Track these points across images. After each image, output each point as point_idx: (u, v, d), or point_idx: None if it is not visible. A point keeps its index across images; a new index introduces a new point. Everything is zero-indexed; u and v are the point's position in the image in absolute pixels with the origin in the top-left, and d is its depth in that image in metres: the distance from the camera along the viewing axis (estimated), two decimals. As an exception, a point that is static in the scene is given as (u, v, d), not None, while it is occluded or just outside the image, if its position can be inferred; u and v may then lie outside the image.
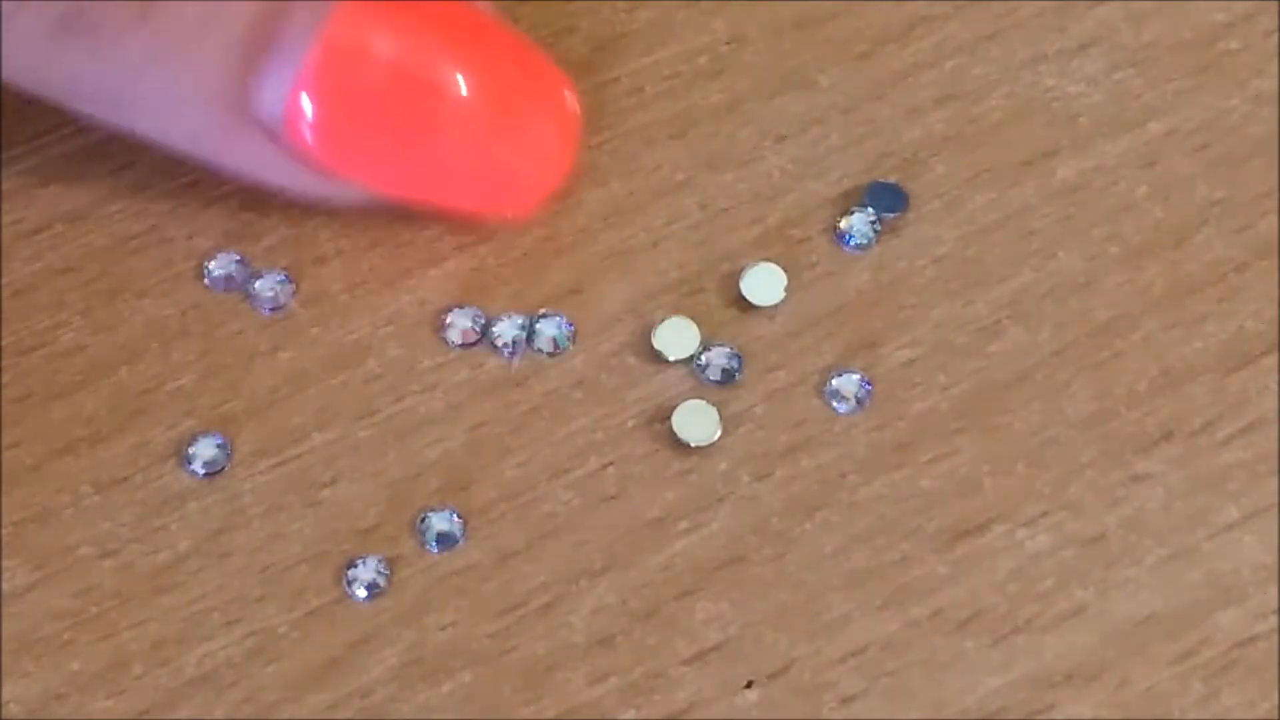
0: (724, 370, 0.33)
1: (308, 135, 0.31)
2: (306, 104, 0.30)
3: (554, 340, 0.33)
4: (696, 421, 0.32)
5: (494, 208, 0.33)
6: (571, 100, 0.32)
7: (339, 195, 0.32)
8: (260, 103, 0.30)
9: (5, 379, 0.33)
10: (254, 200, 0.34)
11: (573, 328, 0.33)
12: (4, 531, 0.31)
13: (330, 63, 0.30)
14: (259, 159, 0.31)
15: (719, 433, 0.32)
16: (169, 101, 0.31)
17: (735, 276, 0.34)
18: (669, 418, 0.32)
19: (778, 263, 0.34)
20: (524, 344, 0.33)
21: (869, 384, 0.33)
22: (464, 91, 0.31)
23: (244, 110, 0.31)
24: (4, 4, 0.29)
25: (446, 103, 0.31)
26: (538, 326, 0.33)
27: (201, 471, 0.32)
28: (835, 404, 0.33)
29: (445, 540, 0.31)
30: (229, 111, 0.31)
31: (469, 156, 0.32)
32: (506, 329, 0.33)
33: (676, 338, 0.33)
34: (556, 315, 0.33)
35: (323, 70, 0.30)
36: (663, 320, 0.33)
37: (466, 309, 0.33)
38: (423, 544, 0.31)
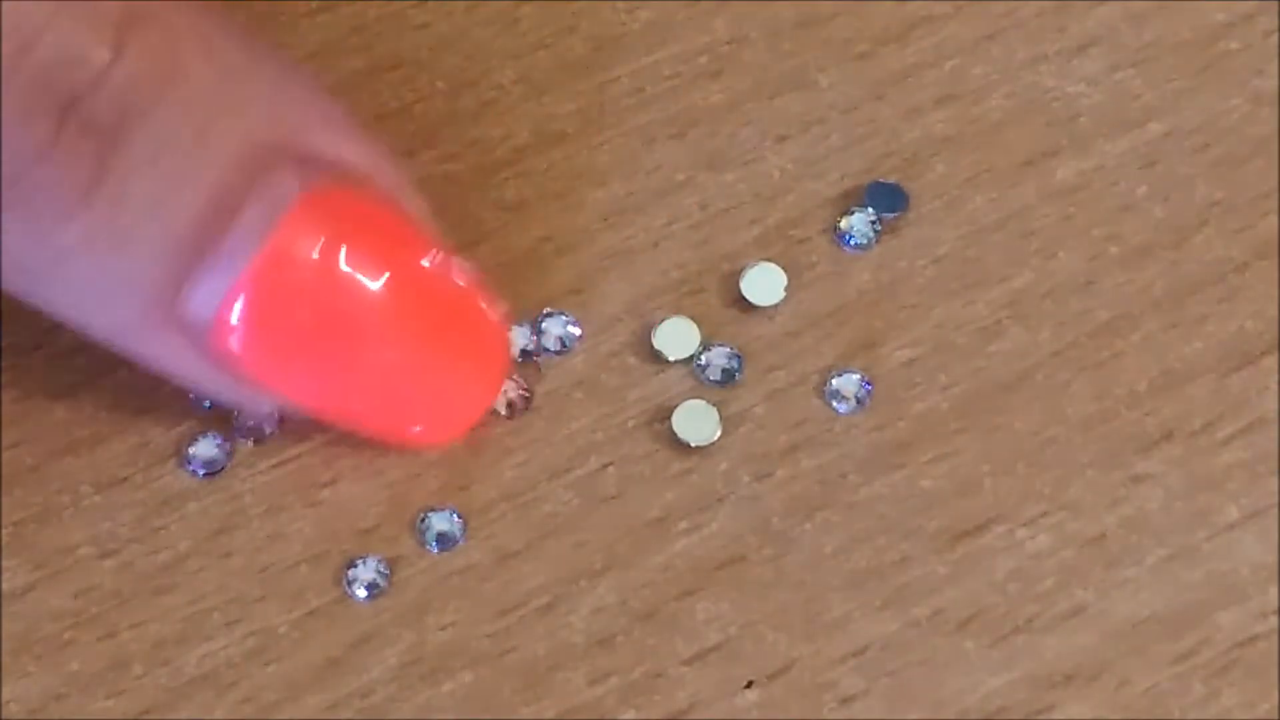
0: (724, 370, 0.33)
1: (235, 343, 0.30)
2: (239, 311, 0.29)
3: (560, 339, 0.33)
4: (696, 421, 0.32)
5: (419, 436, 0.32)
6: (501, 327, 0.31)
7: (257, 404, 0.31)
8: (191, 305, 0.29)
9: (5, 379, 0.33)
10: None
11: (578, 328, 0.33)
12: (4, 531, 0.31)
13: (271, 271, 0.29)
14: (178, 360, 0.30)
15: (719, 433, 0.32)
16: (96, 292, 0.29)
17: (735, 276, 0.34)
18: (669, 418, 0.32)
19: (778, 263, 0.34)
20: (537, 348, 0.33)
21: (869, 384, 0.33)
22: (397, 312, 0.30)
23: (170, 310, 0.29)
24: None
25: (379, 322, 0.30)
26: (543, 326, 0.33)
27: (201, 471, 0.32)
28: (835, 404, 0.33)
29: (445, 540, 0.31)
30: (154, 309, 0.29)
31: (395, 380, 0.31)
32: (515, 338, 0.33)
33: (676, 338, 0.33)
34: (561, 314, 0.33)
35: (261, 282, 0.29)
36: (663, 320, 0.33)
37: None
38: (423, 544, 0.31)
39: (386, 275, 0.30)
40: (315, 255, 0.29)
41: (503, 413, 0.32)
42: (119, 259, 0.29)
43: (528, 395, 0.32)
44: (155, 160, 0.29)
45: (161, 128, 0.29)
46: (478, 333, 0.31)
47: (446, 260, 0.31)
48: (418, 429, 0.32)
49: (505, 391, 0.32)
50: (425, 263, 0.30)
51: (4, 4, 0.28)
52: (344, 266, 0.30)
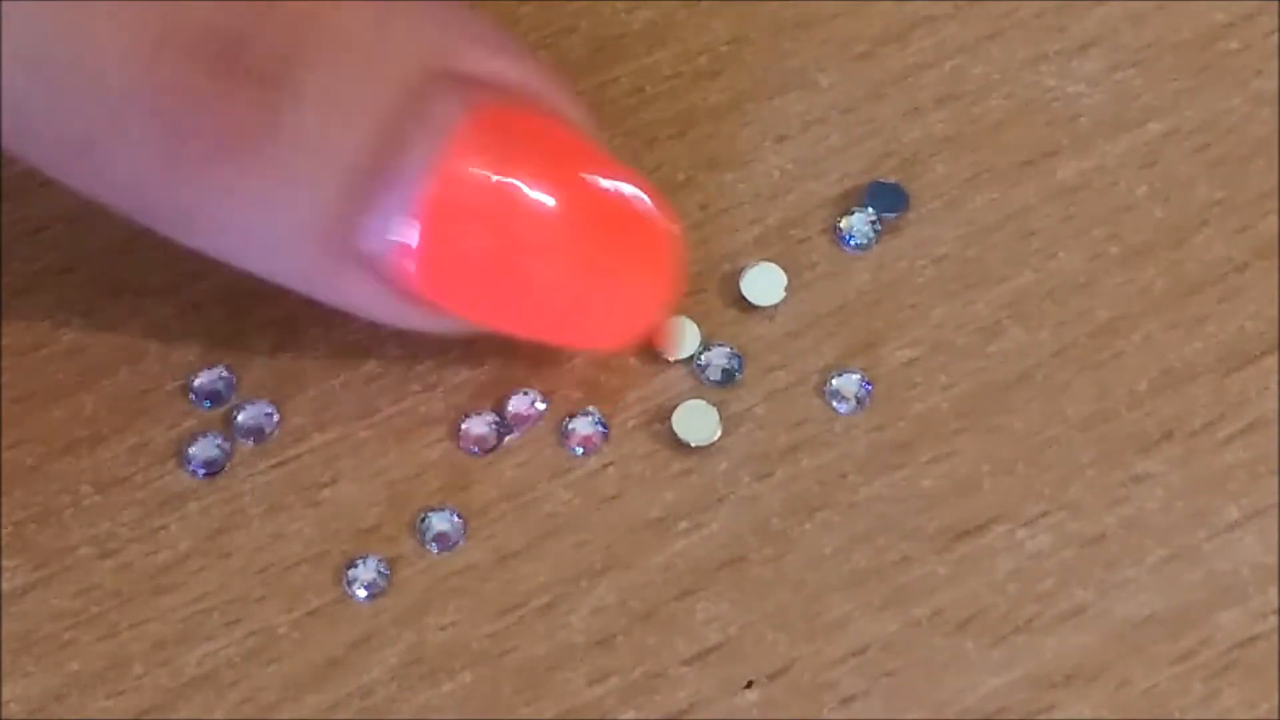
0: (724, 370, 0.33)
1: (414, 269, 0.30)
2: (415, 238, 0.30)
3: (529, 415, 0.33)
4: (696, 421, 0.32)
5: (595, 341, 0.32)
6: (675, 233, 0.32)
7: (439, 327, 0.32)
8: (368, 236, 0.30)
9: (5, 379, 0.33)
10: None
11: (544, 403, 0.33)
12: (4, 531, 0.31)
13: (442, 196, 0.30)
14: (361, 295, 0.31)
15: (719, 433, 0.32)
16: (274, 236, 0.30)
17: (735, 276, 0.34)
18: (669, 418, 0.32)
19: (778, 263, 0.34)
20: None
21: (869, 384, 0.33)
22: (569, 226, 0.31)
23: (349, 245, 0.30)
24: (107, 133, 0.29)
25: (551, 237, 0.30)
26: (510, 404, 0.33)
27: (201, 471, 0.32)
28: (835, 404, 0.33)
29: (445, 540, 0.31)
30: (332, 245, 0.30)
31: (568, 294, 0.31)
32: None
33: (677, 337, 0.33)
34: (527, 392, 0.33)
35: (435, 205, 0.30)
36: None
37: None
38: (423, 544, 0.31)
39: (556, 191, 0.30)
40: (486, 176, 0.30)
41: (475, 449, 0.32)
42: (295, 200, 0.29)
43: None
44: (320, 99, 0.29)
45: (323, 66, 0.29)
46: (649, 241, 0.31)
47: (615, 170, 0.31)
48: (598, 335, 0.32)
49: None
50: (594, 176, 0.31)
51: None
52: (514, 185, 0.30)
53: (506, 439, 0.32)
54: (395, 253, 0.30)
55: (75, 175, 0.30)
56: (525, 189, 0.30)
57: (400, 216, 0.30)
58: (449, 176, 0.30)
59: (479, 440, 0.32)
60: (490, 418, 0.32)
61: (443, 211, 0.30)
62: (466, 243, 0.30)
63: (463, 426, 0.32)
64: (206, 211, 0.30)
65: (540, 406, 0.32)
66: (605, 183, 0.31)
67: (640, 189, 0.31)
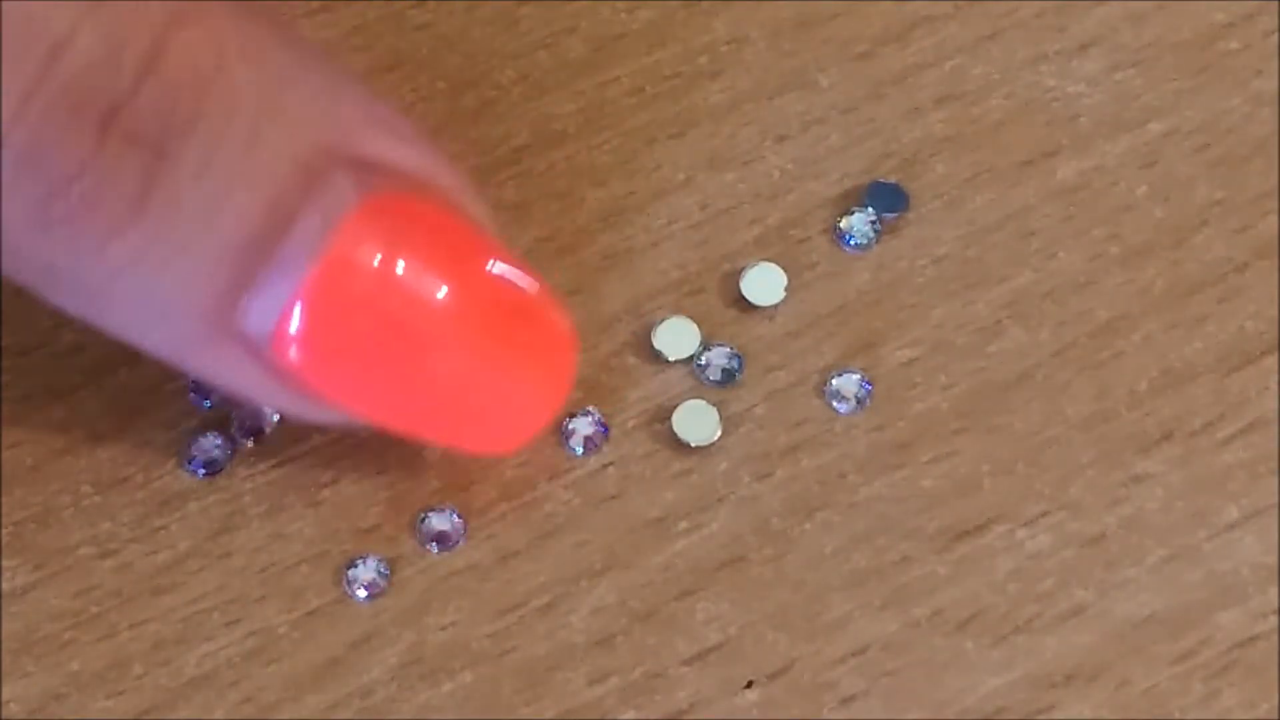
0: (724, 370, 0.33)
1: (295, 355, 0.29)
2: (298, 322, 0.28)
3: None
4: (696, 421, 0.32)
5: (483, 445, 0.31)
6: (569, 332, 0.31)
7: (321, 417, 0.30)
8: (250, 317, 0.28)
9: (5, 379, 0.33)
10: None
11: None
12: (4, 531, 0.31)
13: (330, 280, 0.28)
14: (238, 376, 0.29)
15: (719, 433, 0.32)
16: (150, 308, 0.28)
17: (735, 276, 0.34)
18: (669, 418, 0.32)
19: (778, 263, 0.34)
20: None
21: (869, 384, 0.33)
22: (460, 319, 0.29)
23: (229, 324, 0.28)
24: None
25: (442, 330, 0.29)
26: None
27: (201, 471, 0.32)
28: (835, 404, 0.33)
29: (445, 540, 0.31)
30: (212, 323, 0.28)
31: (456, 393, 0.30)
32: None
33: (676, 338, 0.33)
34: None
35: (321, 290, 0.28)
36: (663, 320, 0.33)
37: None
38: (423, 544, 0.31)
39: (449, 283, 0.29)
40: (375, 263, 0.28)
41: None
42: (173, 273, 0.28)
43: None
44: (204, 170, 0.28)
45: (208, 135, 0.27)
46: (544, 339, 0.30)
47: (510, 265, 0.30)
48: (484, 438, 0.31)
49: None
50: (489, 268, 0.29)
51: (29, 6, 0.27)
52: (405, 274, 0.29)
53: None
54: (278, 336, 0.28)
55: None
56: (416, 278, 0.29)
57: (284, 299, 0.28)
58: (337, 261, 0.28)
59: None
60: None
61: (329, 297, 0.28)
62: (353, 331, 0.29)
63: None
64: (80, 277, 0.28)
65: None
66: (500, 275, 0.29)
67: (536, 284, 0.30)
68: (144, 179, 0.27)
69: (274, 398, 0.30)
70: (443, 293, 0.29)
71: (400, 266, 0.29)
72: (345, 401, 0.30)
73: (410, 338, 0.29)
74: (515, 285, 0.30)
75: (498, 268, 0.30)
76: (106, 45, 0.27)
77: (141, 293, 0.28)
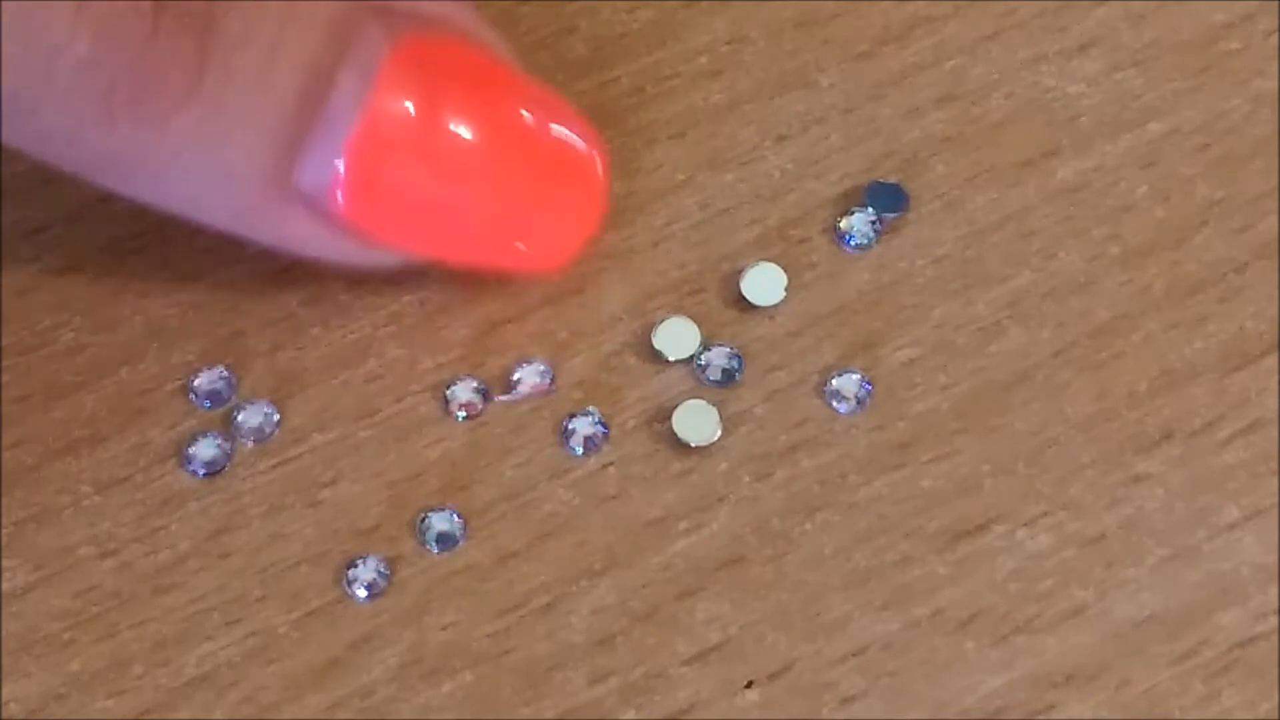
0: (724, 370, 0.33)
1: (350, 204, 0.31)
2: (350, 173, 0.30)
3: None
4: (696, 421, 0.32)
5: (527, 264, 0.33)
6: (600, 152, 0.32)
7: (377, 261, 0.32)
8: (304, 176, 0.30)
9: (5, 379, 0.33)
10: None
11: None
12: (4, 531, 0.31)
13: (374, 130, 0.30)
14: (298, 232, 0.31)
15: (719, 433, 0.32)
16: (211, 179, 0.30)
17: (735, 276, 0.34)
18: (669, 418, 0.32)
19: (778, 263, 0.34)
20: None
21: (869, 384, 0.33)
22: (494, 152, 0.31)
23: (286, 184, 0.30)
24: (40, 85, 0.29)
25: (478, 164, 0.31)
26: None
27: (201, 471, 0.32)
28: (835, 404, 0.33)
29: (445, 540, 0.31)
30: (270, 186, 0.30)
31: (497, 218, 0.32)
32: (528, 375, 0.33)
33: (676, 338, 0.33)
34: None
35: (367, 138, 0.30)
36: (663, 320, 0.33)
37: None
38: (423, 544, 0.31)
39: (483, 120, 0.31)
40: (413, 108, 0.30)
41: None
42: (230, 142, 0.30)
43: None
44: (248, 39, 0.29)
45: (247, 7, 0.29)
46: (575, 164, 0.32)
47: (539, 96, 0.32)
48: (529, 257, 0.33)
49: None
50: (518, 103, 0.31)
51: None
52: (441, 115, 0.31)
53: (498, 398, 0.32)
54: (332, 189, 0.30)
55: (6, 128, 0.30)
56: (451, 118, 0.31)
57: (334, 154, 0.30)
58: (377, 112, 0.30)
59: (466, 406, 0.32)
60: (473, 383, 0.32)
61: (374, 146, 0.30)
62: (396, 173, 0.31)
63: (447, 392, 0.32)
64: (140, 157, 0.30)
65: (546, 379, 0.33)
66: (530, 110, 0.32)
67: (566, 113, 0.32)
68: (196, 54, 0.29)
69: (332, 248, 0.32)
70: (477, 131, 0.31)
71: (435, 107, 0.31)
72: (396, 240, 0.32)
73: (451, 175, 0.31)
74: (544, 117, 0.32)
75: (527, 101, 0.32)
76: None
77: (201, 166, 0.30)
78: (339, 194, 0.31)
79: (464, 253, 0.32)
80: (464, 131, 0.31)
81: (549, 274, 0.33)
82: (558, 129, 0.32)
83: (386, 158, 0.31)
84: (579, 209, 0.33)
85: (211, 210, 0.31)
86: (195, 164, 0.30)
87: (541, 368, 0.33)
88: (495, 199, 0.32)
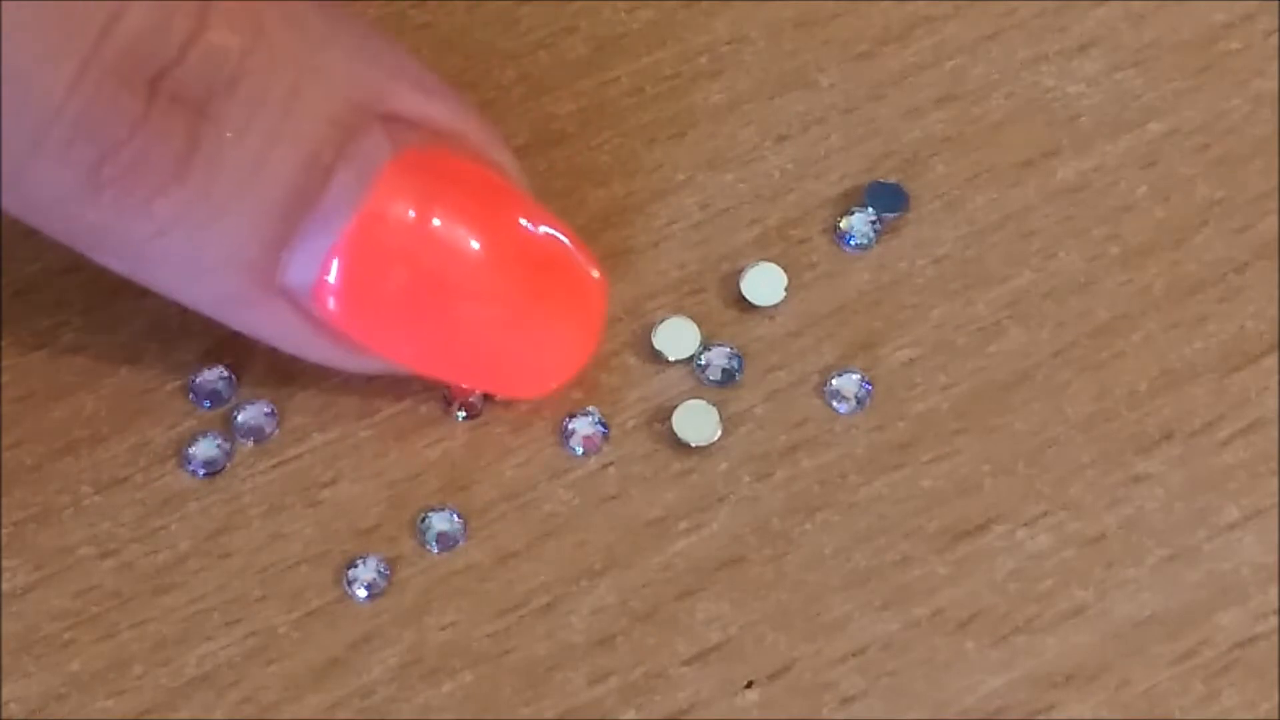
0: (724, 370, 0.33)
1: (335, 306, 0.30)
2: (337, 274, 0.30)
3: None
4: (696, 421, 0.32)
5: (517, 390, 0.32)
6: (599, 280, 0.32)
7: (360, 366, 0.32)
8: (291, 270, 0.30)
9: (5, 379, 0.33)
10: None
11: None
12: (4, 531, 0.31)
13: (367, 233, 0.30)
14: (281, 328, 0.31)
15: (719, 433, 0.32)
16: (195, 264, 0.30)
17: (735, 276, 0.34)
18: (669, 418, 0.32)
19: (778, 263, 0.34)
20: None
21: (869, 384, 0.33)
22: (493, 269, 0.31)
23: (271, 278, 0.30)
24: (28, 151, 0.28)
25: (475, 279, 0.31)
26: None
27: (201, 471, 0.32)
28: (835, 404, 0.33)
29: (445, 540, 0.31)
30: (255, 277, 0.30)
31: (490, 342, 0.31)
32: None
33: (676, 338, 0.33)
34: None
35: (358, 243, 0.30)
36: (663, 320, 0.33)
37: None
38: (423, 544, 0.31)
39: (481, 234, 0.30)
40: (410, 216, 0.30)
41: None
42: (217, 229, 0.29)
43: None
44: (245, 129, 0.29)
45: (249, 96, 0.29)
46: (574, 286, 0.31)
47: (541, 216, 0.31)
48: (520, 381, 0.32)
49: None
50: (521, 220, 0.31)
51: None
52: (439, 226, 0.30)
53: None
54: (317, 289, 0.30)
55: None
56: (450, 231, 0.30)
57: (323, 253, 0.30)
58: (373, 216, 0.30)
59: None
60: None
61: (366, 250, 0.30)
62: (389, 282, 0.30)
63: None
64: (123, 234, 0.29)
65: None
66: (531, 228, 0.31)
67: (566, 236, 0.31)
68: (189, 139, 0.29)
69: (314, 349, 0.31)
70: (476, 245, 0.30)
71: (433, 219, 0.30)
72: (383, 350, 0.31)
73: (444, 288, 0.30)
74: (545, 236, 0.31)
75: (529, 220, 0.31)
76: (156, 15, 0.28)
77: (186, 249, 0.30)
78: (325, 295, 0.30)
79: (452, 371, 0.32)
80: (462, 246, 0.30)
81: (540, 396, 0.32)
82: (562, 251, 0.31)
83: (378, 264, 0.30)
84: (576, 334, 0.32)
85: (194, 294, 0.31)
86: (179, 247, 0.29)
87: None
88: (491, 317, 0.31)
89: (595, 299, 0.32)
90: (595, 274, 0.31)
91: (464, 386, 0.32)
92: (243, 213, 0.29)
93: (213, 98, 0.29)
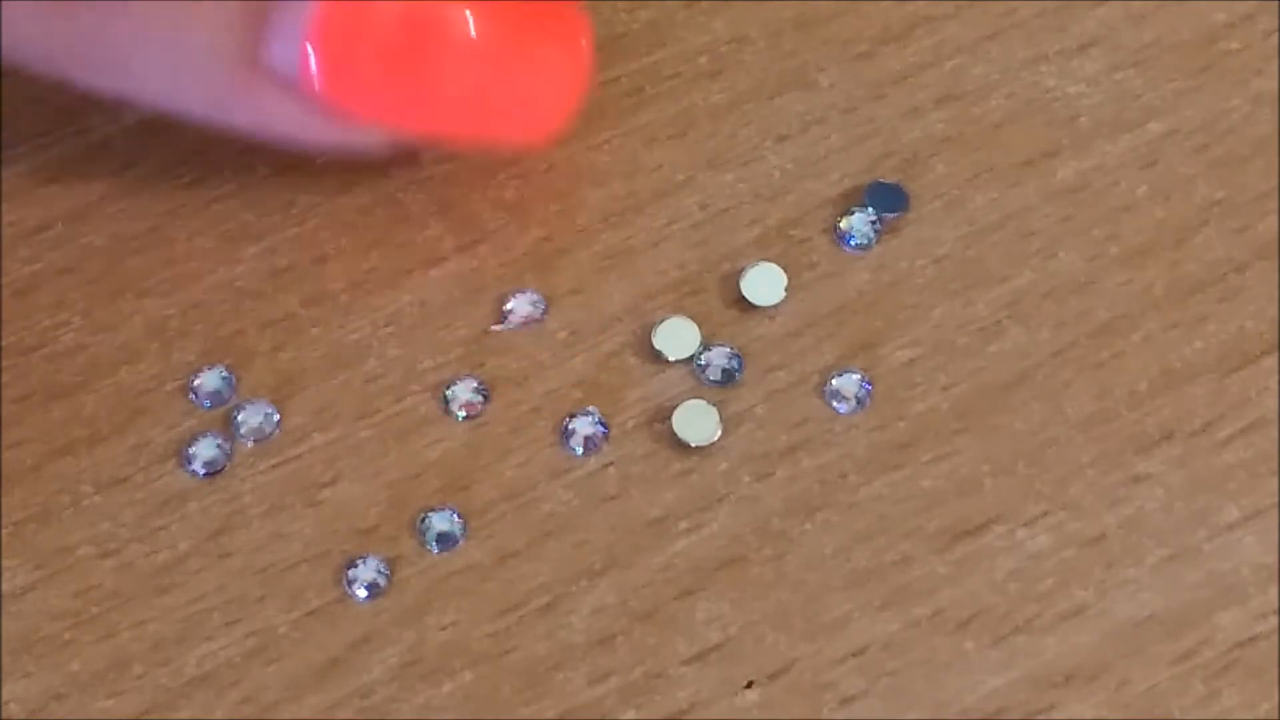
0: (724, 370, 0.33)
1: (323, 79, 0.30)
2: (318, 46, 0.30)
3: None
4: (696, 421, 0.32)
5: (512, 134, 0.32)
6: (583, 23, 0.31)
7: (356, 140, 0.32)
8: (274, 55, 0.30)
9: (5, 379, 0.33)
10: (254, 200, 0.34)
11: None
12: (4, 531, 0.31)
13: (340, 5, 0.30)
14: (273, 113, 0.31)
15: (719, 433, 0.32)
16: (179, 64, 0.30)
17: (735, 276, 0.34)
18: (669, 418, 0.32)
19: (778, 263, 0.34)
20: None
21: (869, 384, 0.33)
22: (471, 21, 0.30)
23: (256, 64, 0.30)
24: None
25: (454, 33, 0.30)
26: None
27: (201, 471, 0.32)
28: (835, 404, 0.33)
29: (445, 540, 0.31)
30: (241, 68, 0.30)
31: (480, 86, 0.31)
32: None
33: (676, 338, 0.33)
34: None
35: (333, 13, 0.30)
36: (663, 320, 0.33)
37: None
38: (423, 544, 0.31)
39: None
40: None
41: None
42: (194, 22, 0.29)
43: None
44: None
45: None
46: (557, 29, 0.31)
47: None
48: (511, 130, 0.32)
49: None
50: None
51: None
52: None
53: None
54: (303, 65, 0.30)
55: None
56: None
57: (300, 27, 0.30)
58: None
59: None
60: (473, 383, 0.32)
61: (344, 22, 0.30)
62: (372, 45, 0.30)
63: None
64: (104, 42, 0.29)
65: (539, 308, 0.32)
66: None
67: None
68: None
69: (310, 129, 0.31)
70: (450, 2, 0.30)
71: None
72: (378, 116, 0.31)
73: (426, 43, 0.30)
74: None
75: None
76: None
77: (170, 49, 0.30)
78: (311, 69, 0.30)
79: (448, 125, 0.31)
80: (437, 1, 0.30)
81: (539, 145, 0.32)
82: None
83: (358, 27, 0.30)
84: (564, 72, 0.32)
85: (185, 97, 0.31)
86: (161, 47, 0.30)
87: (534, 297, 0.33)
88: (476, 64, 0.31)
89: (580, 37, 0.32)
90: (579, 15, 0.31)
91: (460, 139, 0.32)
92: (216, 6, 0.29)
93: None
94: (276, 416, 0.32)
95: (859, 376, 0.33)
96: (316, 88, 0.30)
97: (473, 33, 0.30)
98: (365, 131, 0.31)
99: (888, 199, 0.34)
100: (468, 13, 0.30)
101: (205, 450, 0.32)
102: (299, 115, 0.31)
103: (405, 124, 0.31)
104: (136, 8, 0.29)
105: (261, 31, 0.30)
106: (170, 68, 0.30)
